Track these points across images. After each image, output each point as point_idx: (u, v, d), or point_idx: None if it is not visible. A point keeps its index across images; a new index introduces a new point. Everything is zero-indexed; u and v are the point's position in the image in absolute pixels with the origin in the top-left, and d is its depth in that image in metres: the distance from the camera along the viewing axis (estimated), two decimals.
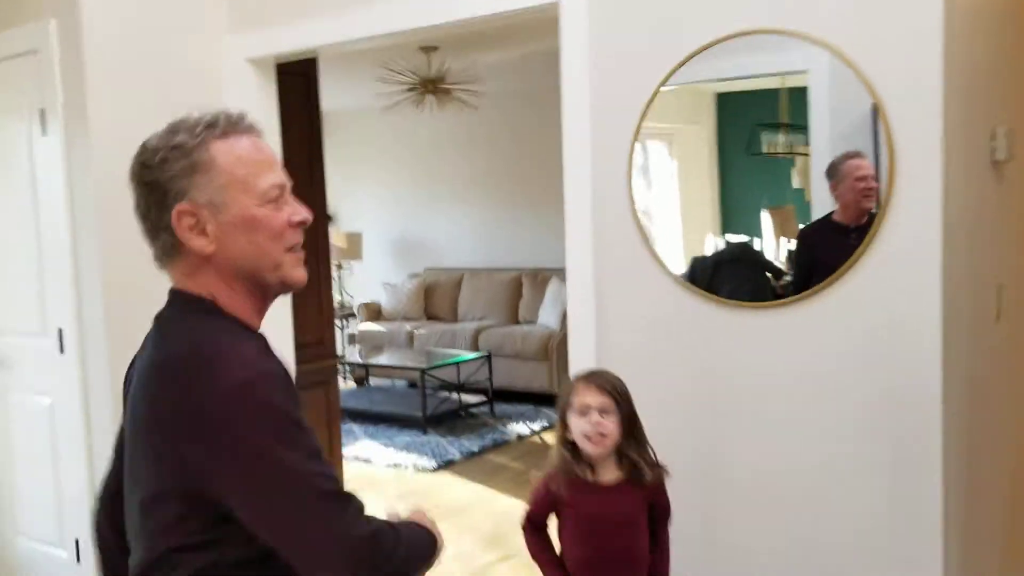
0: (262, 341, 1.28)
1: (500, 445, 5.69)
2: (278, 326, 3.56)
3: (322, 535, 1.17)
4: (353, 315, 8.31)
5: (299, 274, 1.30)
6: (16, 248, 3.34)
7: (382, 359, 6.94)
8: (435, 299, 8.01)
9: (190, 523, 1.19)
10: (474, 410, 6.58)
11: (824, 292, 2.22)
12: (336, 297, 7.59)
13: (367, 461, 5.42)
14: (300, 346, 3.71)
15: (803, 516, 2.30)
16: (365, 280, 8.53)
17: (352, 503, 1.23)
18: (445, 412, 6.35)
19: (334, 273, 7.40)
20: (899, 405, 2.15)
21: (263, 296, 1.31)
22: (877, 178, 2.14)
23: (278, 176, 1.26)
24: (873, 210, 2.16)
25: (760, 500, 2.36)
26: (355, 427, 6.21)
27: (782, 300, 2.30)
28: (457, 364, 6.54)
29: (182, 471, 1.17)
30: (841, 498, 2.24)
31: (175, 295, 1.29)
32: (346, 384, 7.92)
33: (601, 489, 2.06)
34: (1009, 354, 2.73)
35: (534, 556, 2.17)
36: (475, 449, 5.55)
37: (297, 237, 1.29)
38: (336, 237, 7.50)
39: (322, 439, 4.02)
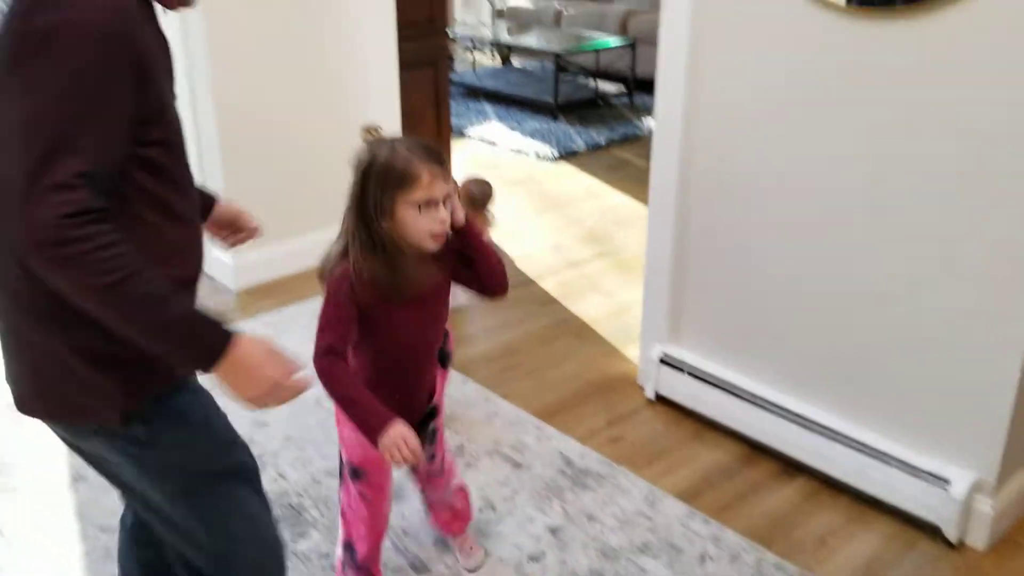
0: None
1: (629, 139, 5.53)
2: (377, 1, 3.43)
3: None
4: None
5: None
6: None
7: (527, 39, 6.67)
8: None
9: None
10: (613, 100, 6.35)
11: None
12: None
13: (492, 144, 5.43)
14: (405, 24, 3.59)
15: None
16: None
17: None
18: (580, 100, 6.15)
19: None
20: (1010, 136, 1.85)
21: None
22: None
23: None
24: None
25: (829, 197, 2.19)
26: (488, 107, 6.18)
27: (911, 6, 1.90)
28: (596, 50, 6.20)
29: None
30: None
31: None
32: (493, 61, 7.78)
33: None
34: None
35: None
36: (602, 142, 5.42)
37: None
38: None
39: (428, 121, 4.03)
